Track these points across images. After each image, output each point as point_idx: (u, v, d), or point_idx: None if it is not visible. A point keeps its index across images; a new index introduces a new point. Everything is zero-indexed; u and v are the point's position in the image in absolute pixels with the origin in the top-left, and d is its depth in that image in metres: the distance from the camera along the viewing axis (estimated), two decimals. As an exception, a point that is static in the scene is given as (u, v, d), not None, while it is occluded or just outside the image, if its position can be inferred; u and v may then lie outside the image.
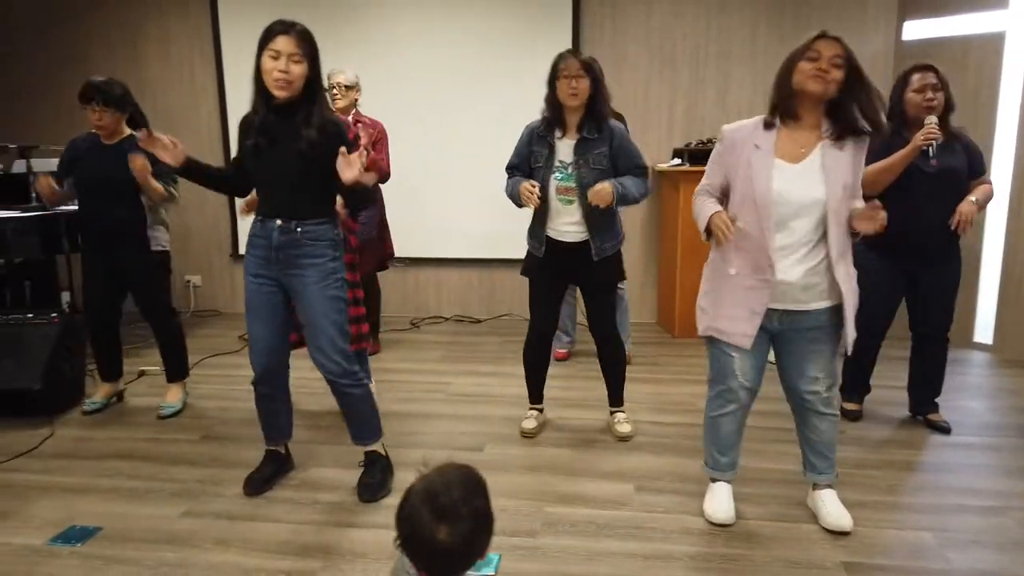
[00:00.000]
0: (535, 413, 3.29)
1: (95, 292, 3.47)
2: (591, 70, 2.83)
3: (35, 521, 2.54)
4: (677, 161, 4.76)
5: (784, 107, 2.25)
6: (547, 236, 3.00)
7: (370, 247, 4.22)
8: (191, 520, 2.54)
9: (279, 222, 2.48)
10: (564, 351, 4.33)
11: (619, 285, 4.08)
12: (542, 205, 2.92)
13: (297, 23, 2.42)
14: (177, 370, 3.62)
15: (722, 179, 2.37)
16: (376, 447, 2.74)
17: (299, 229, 2.49)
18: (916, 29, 4.73)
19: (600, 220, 2.94)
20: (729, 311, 2.35)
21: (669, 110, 5.06)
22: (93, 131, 3.35)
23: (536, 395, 3.30)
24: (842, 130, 2.23)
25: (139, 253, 3.41)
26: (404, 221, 4.99)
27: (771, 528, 2.44)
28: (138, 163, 3.13)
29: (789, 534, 2.40)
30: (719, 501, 2.51)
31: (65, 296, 4.50)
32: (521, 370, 3.27)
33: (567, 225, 2.96)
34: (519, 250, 3.22)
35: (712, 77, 5.01)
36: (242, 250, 3.07)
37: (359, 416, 2.70)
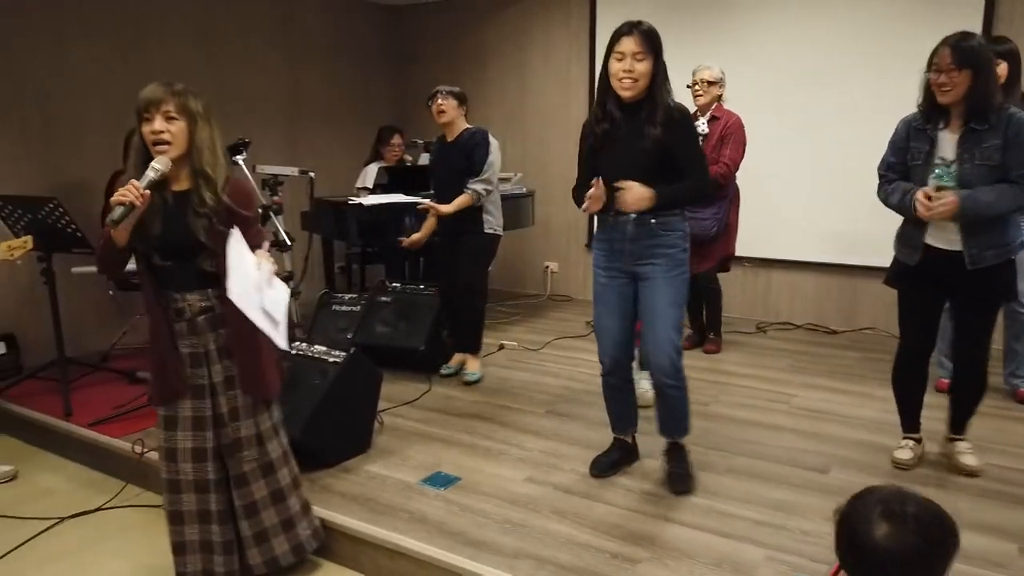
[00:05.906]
0: (911, 443, 2.89)
1: (446, 271, 3.99)
2: (970, 61, 2.35)
3: (411, 461, 2.98)
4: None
5: None
6: (926, 243, 2.60)
7: (709, 245, 4.09)
8: (533, 486, 2.75)
9: (633, 216, 2.54)
10: (948, 381, 3.72)
11: (1021, 307, 3.42)
12: None
13: (643, 22, 2.44)
14: (475, 344, 3.98)
15: None
16: (682, 441, 2.75)
17: (653, 221, 2.53)
18: None
19: (979, 223, 2.47)
20: None
21: (1115, 97, 4.05)
22: (440, 136, 3.85)
23: (911, 422, 2.90)
24: None
25: (472, 233, 3.81)
26: (758, 219, 4.76)
27: None
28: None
29: None
30: None
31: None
32: (883, 392, 2.93)
33: (950, 232, 2.54)
34: (884, 256, 2.87)
35: None
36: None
37: (676, 413, 2.69)
